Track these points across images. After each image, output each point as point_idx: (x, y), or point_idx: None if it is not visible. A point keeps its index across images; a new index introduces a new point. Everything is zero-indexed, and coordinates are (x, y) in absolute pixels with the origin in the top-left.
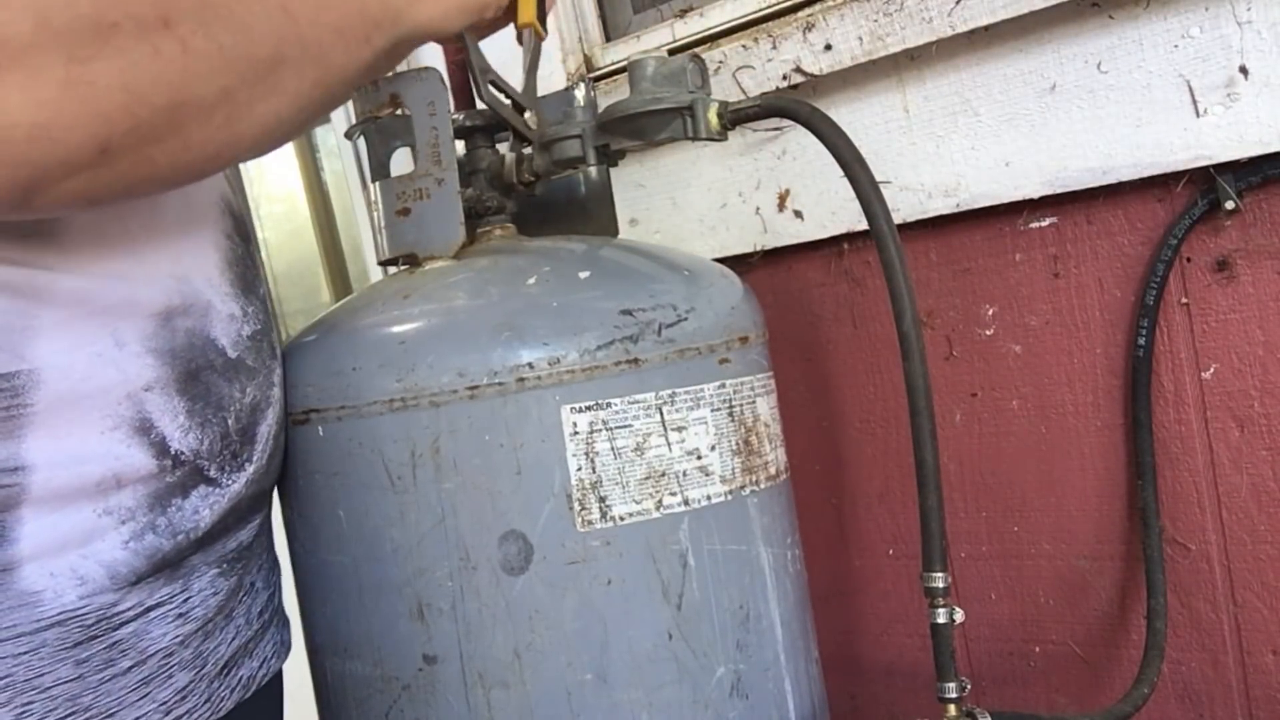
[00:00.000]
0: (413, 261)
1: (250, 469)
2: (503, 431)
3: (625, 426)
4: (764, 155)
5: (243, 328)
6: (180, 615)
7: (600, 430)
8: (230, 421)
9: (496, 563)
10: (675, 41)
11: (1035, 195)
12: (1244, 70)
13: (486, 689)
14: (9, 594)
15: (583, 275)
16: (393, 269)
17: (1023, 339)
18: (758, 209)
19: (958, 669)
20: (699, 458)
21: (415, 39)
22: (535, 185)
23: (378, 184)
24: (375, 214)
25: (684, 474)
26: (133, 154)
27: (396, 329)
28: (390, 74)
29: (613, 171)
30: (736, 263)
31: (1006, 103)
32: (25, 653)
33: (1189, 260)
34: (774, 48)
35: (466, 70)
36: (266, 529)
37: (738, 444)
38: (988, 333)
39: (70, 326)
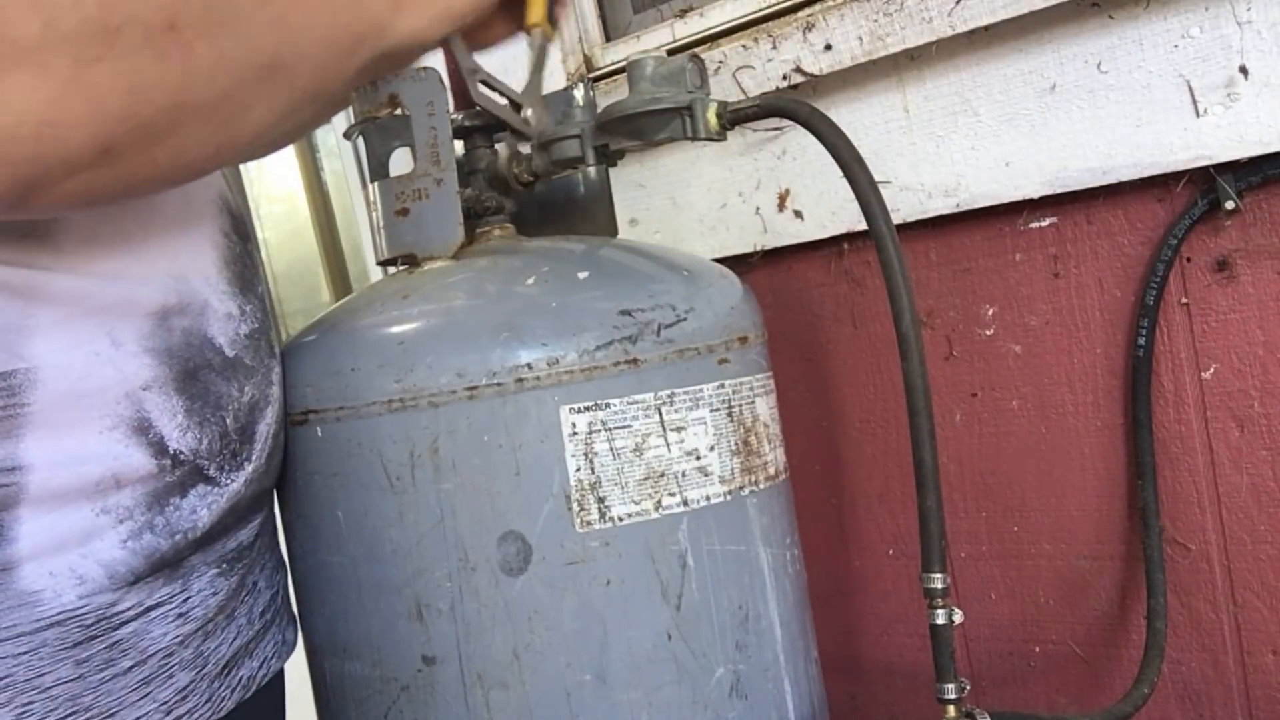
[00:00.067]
0: (412, 262)
1: (249, 468)
2: (502, 432)
3: (624, 427)
4: (764, 155)
5: (240, 326)
6: (180, 615)
7: (599, 431)
8: (229, 420)
9: (495, 563)
10: (675, 41)
11: (1035, 195)
12: (1244, 70)
13: (485, 690)
14: (8, 594)
15: (582, 275)
16: (392, 269)
17: (1023, 339)
18: (758, 209)
19: (957, 669)
20: (698, 458)
21: (401, 50)
22: (534, 185)
23: (377, 184)
24: (374, 214)
25: (683, 474)
26: (134, 154)
27: (395, 329)
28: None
29: (612, 171)
30: (736, 263)
31: (1006, 103)
32: (25, 653)
33: (1189, 260)
34: (774, 48)
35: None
36: (268, 529)
37: (737, 444)
38: (988, 333)
39: (67, 326)
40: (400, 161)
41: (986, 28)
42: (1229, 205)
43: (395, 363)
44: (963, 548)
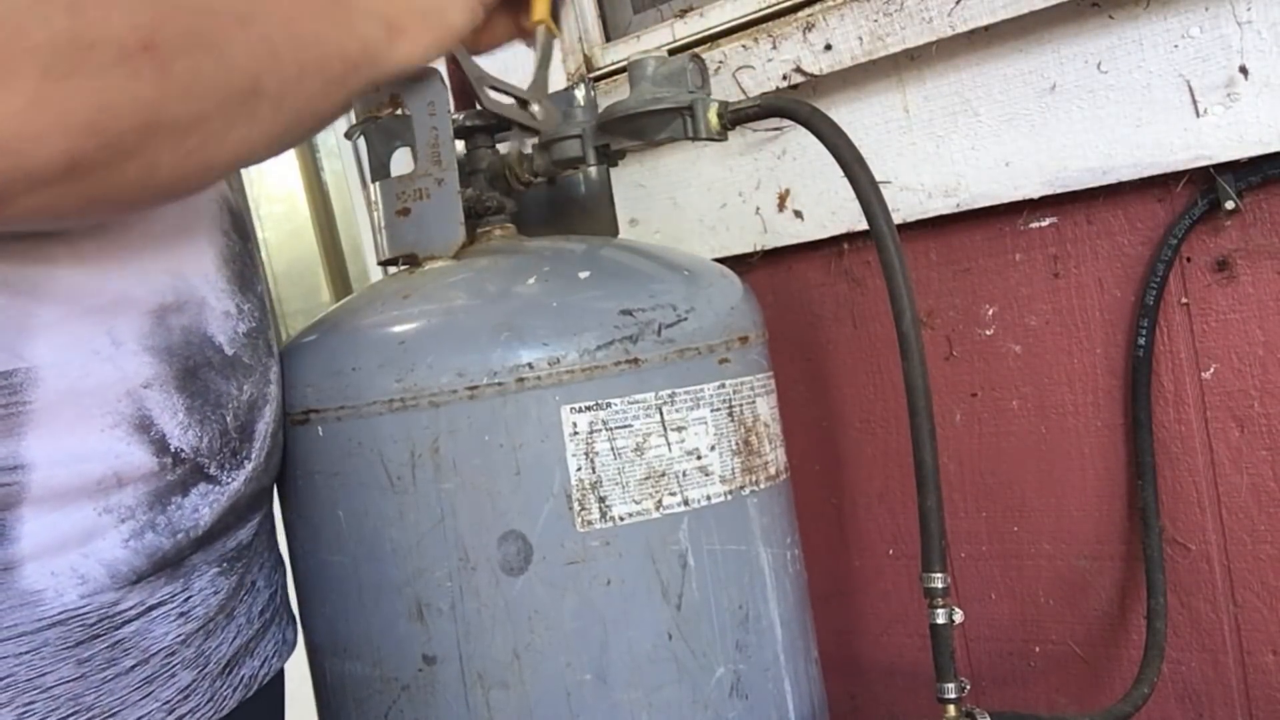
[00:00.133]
0: (413, 261)
1: (249, 466)
2: (502, 432)
3: (625, 426)
4: (764, 155)
5: (239, 325)
6: (182, 614)
7: (600, 430)
8: (229, 419)
9: (496, 563)
10: (675, 41)
11: (1035, 195)
12: (1244, 70)
13: (486, 689)
14: (10, 593)
15: (582, 275)
16: (393, 269)
17: (1023, 339)
18: (758, 209)
19: (957, 669)
20: (699, 458)
21: (394, 77)
22: (535, 185)
23: (378, 184)
24: (375, 214)
25: (684, 474)
26: (102, 171)
27: (396, 329)
28: None
29: (613, 171)
30: (736, 263)
31: (1006, 103)
32: (27, 652)
33: (1189, 260)
34: (774, 48)
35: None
36: (267, 528)
37: (737, 444)
38: (988, 333)
39: (67, 324)
40: (401, 161)
41: (986, 28)
42: (1229, 205)
43: (396, 362)
44: (963, 548)
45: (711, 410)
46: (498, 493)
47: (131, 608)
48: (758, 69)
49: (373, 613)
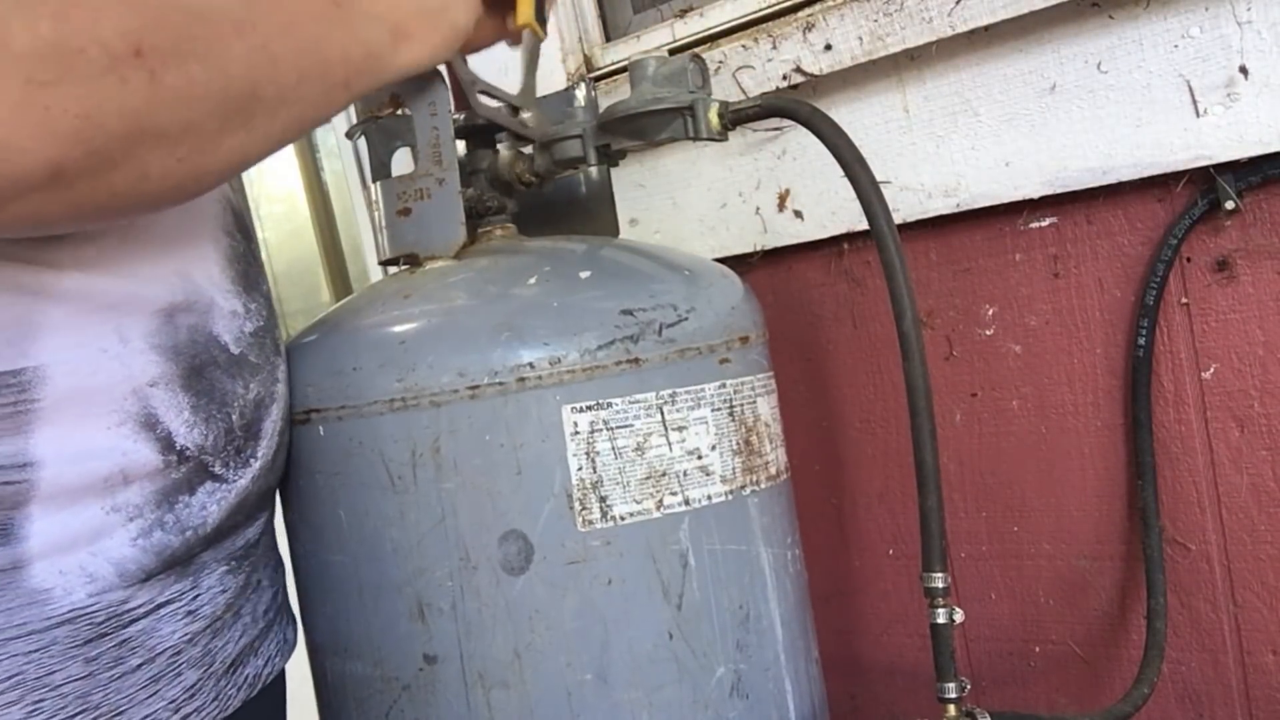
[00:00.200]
0: (413, 261)
1: (256, 465)
2: (503, 431)
3: (626, 426)
4: (764, 155)
5: (245, 324)
6: (189, 613)
7: (601, 430)
8: (234, 417)
9: (497, 562)
10: (675, 41)
11: (1035, 195)
12: (1244, 70)
13: (486, 689)
14: (19, 592)
15: (583, 275)
16: (393, 269)
17: (1023, 339)
18: (758, 209)
19: (958, 669)
20: (699, 457)
21: (397, 80)
22: (536, 185)
23: (378, 184)
24: (376, 214)
25: (684, 474)
26: (88, 179)
27: (397, 329)
28: None
29: (613, 172)
30: (736, 263)
31: (1006, 103)
32: (35, 650)
33: (1189, 260)
34: (774, 48)
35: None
36: (270, 528)
37: (738, 444)
38: (988, 333)
39: (75, 323)
40: (402, 161)
41: (986, 28)
42: (1229, 205)
43: (397, 362)
44: (963, 548)
45: (712, 410)
46: (498, 492)
47: (140, 606)
48: (758, 69)
49: (373, 612)
